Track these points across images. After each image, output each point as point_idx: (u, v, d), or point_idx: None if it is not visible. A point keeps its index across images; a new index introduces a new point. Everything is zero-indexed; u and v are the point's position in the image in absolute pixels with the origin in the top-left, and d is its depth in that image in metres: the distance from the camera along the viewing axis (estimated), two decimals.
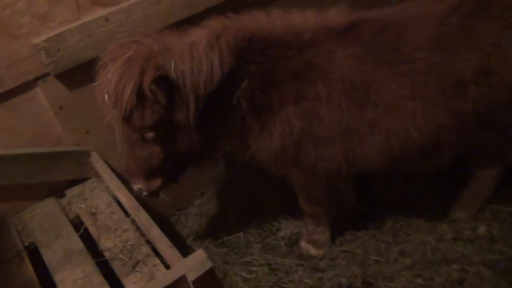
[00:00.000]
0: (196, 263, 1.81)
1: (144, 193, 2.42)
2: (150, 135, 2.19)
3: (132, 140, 2.25)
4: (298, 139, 2.34)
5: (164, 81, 1.98)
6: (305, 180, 2.64)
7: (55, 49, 2.51)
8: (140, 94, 2.00)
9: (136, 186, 2.41)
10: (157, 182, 2.40)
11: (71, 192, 2.92)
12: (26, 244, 2.66)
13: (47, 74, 2.60)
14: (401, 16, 2.27)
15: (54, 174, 2.83)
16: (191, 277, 1.77)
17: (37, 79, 2.58)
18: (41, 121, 2.73)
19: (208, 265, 1.80)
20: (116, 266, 2.40)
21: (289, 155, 2.42)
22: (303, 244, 3.16)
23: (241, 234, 3.30)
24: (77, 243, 2.57)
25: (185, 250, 3.16)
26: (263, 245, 3.22)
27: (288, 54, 2.27)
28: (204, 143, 2.31)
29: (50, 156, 2.76)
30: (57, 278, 2.39)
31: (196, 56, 2.08)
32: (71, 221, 2.75)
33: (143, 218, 2.41)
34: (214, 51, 2.10)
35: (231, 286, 2.87)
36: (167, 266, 2.24)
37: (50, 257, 2.52)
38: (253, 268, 2.99)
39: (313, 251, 3.11)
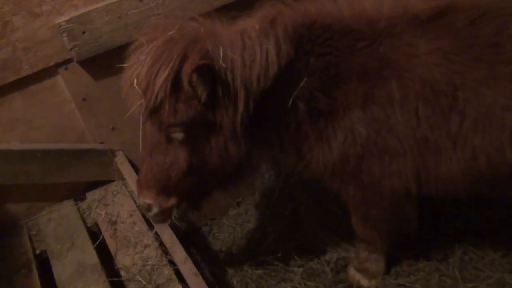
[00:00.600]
0: None
1: (154, 212, 1.99)
2: (178, 135, 1.83)
3: (154, 141, 1.88)
4: (361, 151, 1.97)
5: (208, 72, 1.67)
6: (364, 199, 2.24)
7: (79, 31, 2.22)
8: (176, 83, 1.70)
9: (144, 201, 1.98)
10: (171, 201, 1.98)
11: (91, 195, 2.69)
12: (37, 252, 2.45)
13: (69, 60, 2.33)
14: (505, 4, 1.79)
15: (73, 174, 2.59)
16: None
17: (58, 65, 2.33)
18: (62, 113, 2.48)
19: None
20: None
21: (349, 169, 2.04)
22: (352, 272, 2.75)
23: (280, 254, 2.91)
24: (92, 257, 2.31)
25: (214, 269, 2.79)
26: (305, 270, 2.83)
27: (357, 45, 1.88)
28: (246, 155, 1.97)
29: (70, 153, 2.53)
30: None
31: (249, 44, 1.76)
32: (88, 229, 2.53)
33: (168, 234, 2.09)
34: (269, 38, 1.77)
35: None
36: None
37: (60, 271, 2.28)
38: None
39: (363, 281, 2.71)
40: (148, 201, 1.96)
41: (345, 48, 1.87)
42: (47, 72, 2.31)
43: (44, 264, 2.38)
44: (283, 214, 3.19)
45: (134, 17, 2.30)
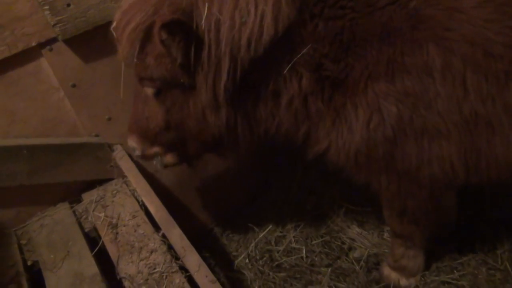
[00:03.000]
0: None
1: (136, 153, 1.98)
2: (149, 90, 1.74)
3: (136, 88, 1.83)
4: (393, 133, 1.66)
5: (181, 30, 1.49)
6: (400, 191, 1.93)
7: (63, 4, 1.92)
8: (147, 36, 1.58)
9: (129, 142, 1.97)
10: (154, 149, 1.93)
11: (88, 196, 2.40)
12: (28, 263, 2.17)
13: (54, 40, 2.03)
14: None
15: (66, 173, 2.31)
16: None
17: (41, 45, 2.03)
18: (49, 103, 2.19)
19: None
20: None
21: (378, 156, 1.73)
22: (387, 270, 2.49)
23: (303, 253, 2.69)
24: (90, 266, 2.03)
25: (231, 274, 2.51)
26: (333, 270, 2.59)
27: (379, 3, 1.58)
28: (227, 127, 1.78)
29: (61, 149, 2.25)
30: None
31: (242, 2, 1.53)
32: (86, 234, 2.25)
33: (177, 236, 1.81)
34: None
35: None
36: None
37: (54, 284, 2.00)
38: None
39: (401, 280, 2.45)
40: (131, 143, 1.95)
41: (364, 7, 1.59)
42: (28, 55, 2.01)
43: (36, 277, 2.10)
44: (304, 209, 2.97)
45: None
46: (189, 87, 1.67)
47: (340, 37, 1.61)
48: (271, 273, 2.54)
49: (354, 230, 2.75)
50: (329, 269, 2.53)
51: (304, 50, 1.61)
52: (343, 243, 2.72)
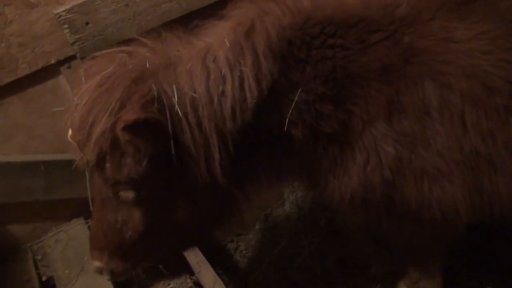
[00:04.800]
0: None
1: (106, 277, 1.69)
2: (128, 194, 1.46)
3: (103, 195, 1.53)
4: (391, 176, 1.55)
5: (149, 129, 1.31)
6: (402, 231, 1.85)
7: (82, 23, 1.95)
8: (117, 138, 1.35)
9: (94, 263, 1.65)
10: (127, 264, 1.65)
11: None
12: (44, 278, 2.20)
13: (72, 58, 2.06)
14: None
15: (82, 189, 2.21)
16: None
17: (60, 63, 2.06)
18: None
19: None
20: None
21: (376, 199, 1.62)
22: None
23: (318, 271, 2.62)
24: (105, 283, 2.03)
25: None
26: (349, 287, 2.45)
27: (370, 39, 1.49)
28: (232, 203, 1.65)
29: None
30: None
31: (214, 70, 1.39)
32: None
33: (193, 253, 1.76)
34: (244, 57, 1.40)
35: None
36: None
37: None
38: None
39: None
40: (97, 263, 1.63)
41: (355, 44, 1.49)
42: (47, 72, 2.05)
43: None
44: (318, 225, 2.90)
45: (144, 5, 2.03)
46: (176, 178, 1.48)
47: (333, 75, 1.48)
48: None
49: (370, 247, 2.69)
50: (344, 287, 2.48)
51: (296, 98, 1.46)
52: (358, 260, 2.64)
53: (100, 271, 1.67)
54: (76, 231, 2.32)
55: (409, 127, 1.49)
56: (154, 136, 1.33)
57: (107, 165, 1.38)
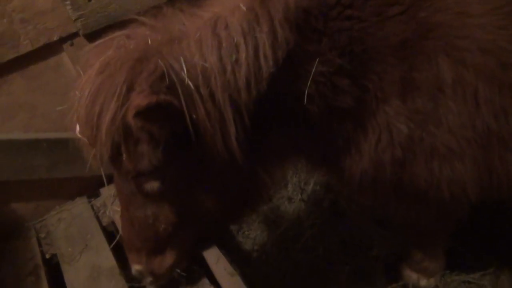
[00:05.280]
0: None
1: (148, 280, 1.63)
2: (153, 185, 1.39)
3: (127, 193, 1.47)
4: (402, 154, 1.53)
5: (161, 113, 1.23)
6: (409, 212, 1.83)
7: None
8: (128, 124, 1.27)
9: (134, 268, 1.61)
10: (167, 260, 1.60)
11: (107, 191, 2.40)
12: (47, 256, 2.19)
13: (75, 35, 2.07)
14: None
15: (85, 168, 2.18)
16: None
17: (62, 40, 2.06)
18: (69, 97, 2.13)
19: None
20: None
21: (385, 178, 1.61)
22: (407, 271, 2.40)
23: (320, 251, 2.59)
24: (108, 259, 2.04)
25: (247, 271, 2.46)
26: (351, 268, 2.49)
27: (387, 12, 1.45)
28: (252, 181, 1.58)
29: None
30: None
31: (226, 38, 1.30)
32: (104, 229, 2.26)
33: None
34: (259, 24, 1.32)
35: None
36: None
37: (72, 276, 2.00)
38: None
39: (421, 281, 2.36)
40: (137, 267, 1.59)
41: (372, 16, 1.43)
42: (50, 49, 2.05)
43: (54, 270, 2.11)
44: (321, 206, 2.87)
45: None
46: (193, 160, 1.41)
47: (350, 48, 1.43)
48: (287, 270, 2.49)
49: (373, 229, 2.68)
50: (347, 267, 2.48)
51: (314, 68, 1.40)
52: (361, 241, 2.62)
53: (141, 275, 1.61)
54: (79, 210, 2.32)
55: (422, 104, 1.46)
56: (168, 119, 1.25)
57: (124, 156, 1.30)
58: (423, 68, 1.44)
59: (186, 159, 1.39)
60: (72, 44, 2.05)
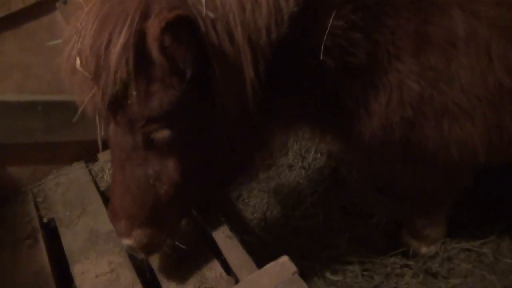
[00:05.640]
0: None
1: (139, 256, 1.52)
2: (163, 134, 1.27)
3: (125, 149, 1.32)
4: (412, 114, 1.48)
5: (188, 29, 1.11)
6: (415, 176, 1.79)
7: None
8: (141, 53, 1.14)
9: (124, 241, 1.47)
10: (162, 233, 1.48)
11: (104, 156, 2.36)
12: (45, 220, 2.16)
13: None
14: None
15: (82, 131, 2.24)
16: None
17: None
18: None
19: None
20: (155, 258, 1.74)
21: (394, 140, 1.56)
22: (407, 238, 2.39)
23: (320, 218, 2.58)
24: (106, 223, 1.97)
25: (247, 238, 2.47)
26: (351, 235, 2.47)
27: None
28: (263, 138, 1.53)
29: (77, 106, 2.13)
30: (76, 270, 1.81)
31: None
32: (101, 193, 2.21)
33: None
34: None
35: None
36: None
37: (70, 240, 1.97)
38: (340, 267, 2.27)
39: (421, 248, 2.35)
40: (127, 241, 1.45)
41: None
42: (42, 7, 1.99)
43: (52, 234, 2.09)
44: (322, 174, 2.85)
45: None
46: (207, 107, 1.29)
47: (364, 4, 1.35)
48: (287, 237, 2.48)
49: (373, 197, 2.66)
50: (347, 234, 2.46)
51: (331, 20, 1.31)
52: (361, 208, 2.61)
53: (131, 250, 1.48)
54: (77, 174, 2.27)
55: (434, 60, 1.41)
56: (192, 42, 1.12)
57: (134, 94, 1.16)
58: (437, 22, 1.38)
59: (197, 108, 1.28)
60: (65, 2, 1.97)
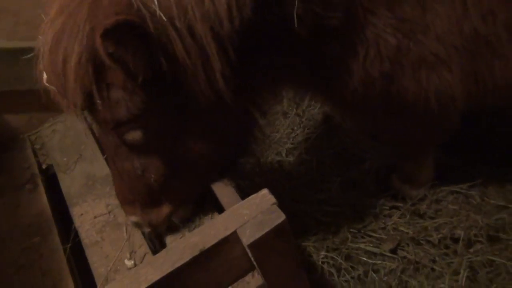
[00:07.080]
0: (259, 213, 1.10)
1: (145, 230, 1.60)
2: (134, 136, 1.30)
3: (110, 145, 1.40)
4: (390, 67, 1.47)
5: (133, 34, 1.09)
6: (397, 126, 1.84)
7: None
8: (99, 64, 1.15)
9: (131, 219, 1.58)
10: (164, 210, 1.55)
11: None
12: (43, 166, 2.22)
13: None
14: None
15: None
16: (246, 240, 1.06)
17: None
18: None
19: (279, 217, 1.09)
20: None
21: (374, 94, 1.56)
22: (397, 183, 2.43)
23: (313, 163, 2.61)
24: (103, 168, 2.06)
25: (240, 182, 2.52)
26: (343, 180, 2.51)
27: None
28: (247, 117, 1.52)
29: None
30: (75, 212, 1.88)
31: None
32: (97, 140, 2.23)
33: None
34: None
35: (303, 231, 2.21)
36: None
37: (68, 184, 2.03)
38: (331, 209, 2.32)
39: (411, 191, 2.40)
40: (133, 218, 1.56)
41: None
42: None
43: (51, 180, 2.15)
44: (316, 120, 2.87)
45: None
46: (180, 103, 1.30)
47: None
48: (281, 181, 2.53)
49: (366, 142, 2.68)
50: (339, 178, 2.51)
51: None
52: (354, 155, 2.64)
53: (139, 226, 1.59)
54: (73, 122, 2.30)
55: (409, 11, 1.39)
56: (141, 45, 1.12)
57: (98, 102, 1.19)
58: None
59: (168, 104, 1.30)
60: None
